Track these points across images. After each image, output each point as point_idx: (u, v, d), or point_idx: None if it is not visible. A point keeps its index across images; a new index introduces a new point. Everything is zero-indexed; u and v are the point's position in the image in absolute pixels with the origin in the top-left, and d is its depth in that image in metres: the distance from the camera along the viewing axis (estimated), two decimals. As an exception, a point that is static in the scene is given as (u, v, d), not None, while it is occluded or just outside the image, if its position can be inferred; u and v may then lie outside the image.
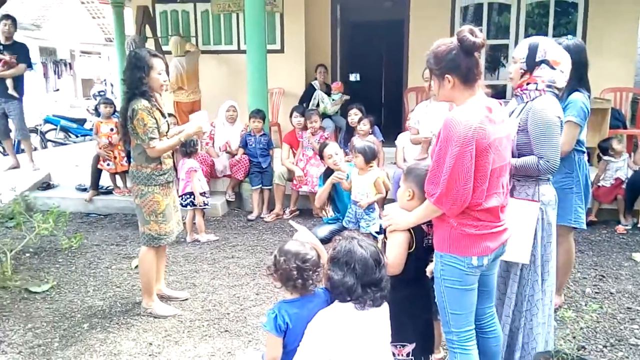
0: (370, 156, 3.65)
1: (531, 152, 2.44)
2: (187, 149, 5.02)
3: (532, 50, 2.51)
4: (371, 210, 3.70)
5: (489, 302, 2.38)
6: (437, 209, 2.08)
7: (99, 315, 3.53)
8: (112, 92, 16.99)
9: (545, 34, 6.94)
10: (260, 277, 4.10)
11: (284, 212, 5.74)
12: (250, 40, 5.86)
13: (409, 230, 2.26)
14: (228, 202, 6.05)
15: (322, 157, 4.07)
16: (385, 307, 2.09)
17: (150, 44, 7.55)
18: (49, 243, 4.85)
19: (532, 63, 2.51)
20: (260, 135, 5.85)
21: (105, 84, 18.39)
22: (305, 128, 5.78)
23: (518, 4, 7.36)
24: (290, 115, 5.94)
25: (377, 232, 3.54)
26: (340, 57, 8.37)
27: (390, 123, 8.48)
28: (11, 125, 6.89)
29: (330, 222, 4.07)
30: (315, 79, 7.57)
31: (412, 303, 2.35)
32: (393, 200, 2.85)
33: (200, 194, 5.09)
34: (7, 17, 6.61)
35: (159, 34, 8.04)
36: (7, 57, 6.45)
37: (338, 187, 3.91)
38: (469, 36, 2.03)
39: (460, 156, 1.97)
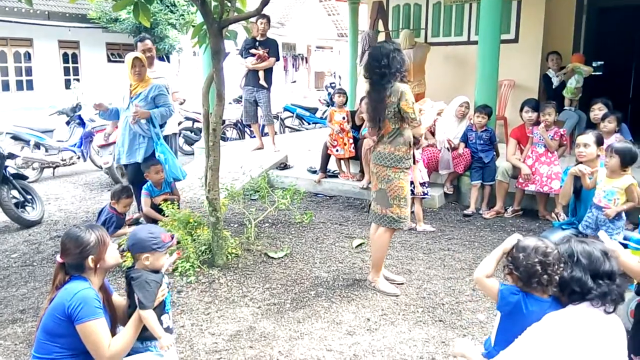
0: (629, 160, 3.24)
1: None
2: (411, 139, 5.12)
3: None
4: (617, 218, 3.29)
5: None
6: None
7: (324, 285, 3.87)
8: (339, 84, 18.19)
9: None
10: (477, 273, 3.99)
11: (505, 210, 5.47)
12: (483, 31, 5.67)
13: None
14: (446, 194, 6.01)
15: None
16: (617, 318, 1.88)
17: (381, 38, 7.86)
18: (284, 216, 5.46)
19: None
20: (482, 131, 5.65)
21: (335, 76, 19.78)
22: (537, 123, 5.39)
23: None
24: (521, 110, 5.59)
25: (622, 243, 3.13)
26: (583, 46, 7.56)
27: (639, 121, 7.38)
28: (259, 112, 7.90)
29: (563, 226, 3.73)
30: (549, 68, 7.01)
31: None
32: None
33: (421, 184, 5.16)
34: (263, 16, 7.53)
35: (390, 28, 8.31)
36: (260, 51, 7.39)
37: (580, 186, 3.56)
38: None
39: None
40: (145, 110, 4.76)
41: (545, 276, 1.93)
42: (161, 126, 4.99)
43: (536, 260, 1.94)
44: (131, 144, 4.85)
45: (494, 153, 5.67)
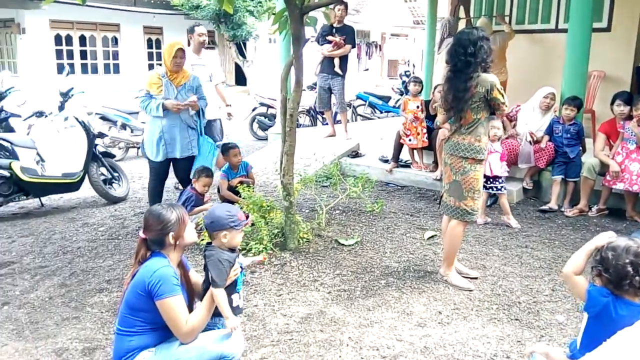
0: None
1: None
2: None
3: None
4: None
5: None
6: None
7: (394, 275, 3.84)
8: (413, 72, 17.88)
9: None
10: (557, 273, 3.82)
11: (589, 208, 5.18)
12: (573, 18, 5.35)
13: None
14: (524, 189, 5.76)
15: None
16: None
17: (462, 25, 7.62)
18: (355, 204, 5.46)
19: None
20: (570, 125, 5.35)
21: (409, 64, 19.46)
22: (629, 118, 5.04)
23: None
24: (612, 103, 5.25)
25: None
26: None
27: None
28: (333, 99, 7.91)
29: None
30: None
31: None
32: None
33: (493, 177, 4.98)
34: (341, 2, 7.50)
35: (471, 15, 8.03)
36: (337, 38, 7.37)
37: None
38: None
39: None
40: (196, 103, 4.76)
41: (637, 277, 1.83)
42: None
43: (627, 260, 1.84)
44: (182, 137, 4.77)
45: (580, 148, 5.37)
